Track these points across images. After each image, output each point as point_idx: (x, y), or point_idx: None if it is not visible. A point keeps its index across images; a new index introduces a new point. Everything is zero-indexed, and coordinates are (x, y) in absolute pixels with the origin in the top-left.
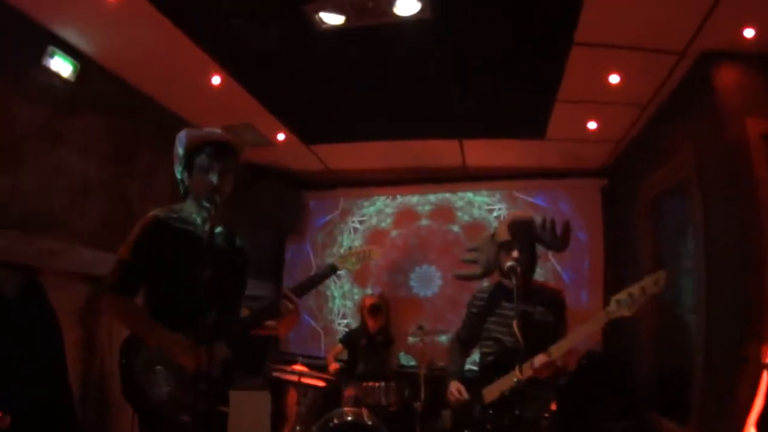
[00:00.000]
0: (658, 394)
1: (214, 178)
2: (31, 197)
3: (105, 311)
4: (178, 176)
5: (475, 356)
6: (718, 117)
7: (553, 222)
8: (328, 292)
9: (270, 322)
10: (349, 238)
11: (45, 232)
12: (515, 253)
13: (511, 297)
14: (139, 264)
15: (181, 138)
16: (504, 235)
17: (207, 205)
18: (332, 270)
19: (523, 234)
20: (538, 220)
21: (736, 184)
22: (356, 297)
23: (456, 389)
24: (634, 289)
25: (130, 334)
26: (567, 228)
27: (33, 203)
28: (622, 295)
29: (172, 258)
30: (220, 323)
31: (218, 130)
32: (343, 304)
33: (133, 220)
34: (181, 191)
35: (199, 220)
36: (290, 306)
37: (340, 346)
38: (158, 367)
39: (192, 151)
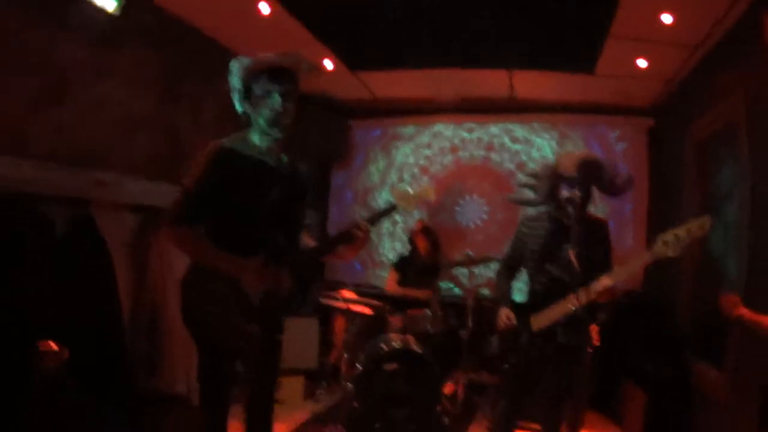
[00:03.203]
0: (696, 337)
1: (276, 103)
2: (78, 131)
3: (165, 242)
4: (239, 108)
5: (521, 285)
6: None
7: (616, 169)
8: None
9: (339, 251)
10: (395, 169)
11: (93, 165)
12: (577, 191)
13: (563, 229)
14: (203, 194)
15: (235, 68)
16: (570, 171)
17: (272, 131)
18: (393, 208)
19: (590, 174)
20: (605, 163)
21: None
22: (399, 226)
23: (506, 315)
24: (680, 230)
25: (191, 265)
26: (630, 181)
27: (80, 137)
28: (668, 236)
29: (239, 186)
30: (288, 248)
31: (274, 56)
32: (390, 239)
33: (181, 152)
34: (244, 122)
35: (263, 148)
36: (361, 234)
37: (398, 270)
38: (221, 295)
39: (248, 79)
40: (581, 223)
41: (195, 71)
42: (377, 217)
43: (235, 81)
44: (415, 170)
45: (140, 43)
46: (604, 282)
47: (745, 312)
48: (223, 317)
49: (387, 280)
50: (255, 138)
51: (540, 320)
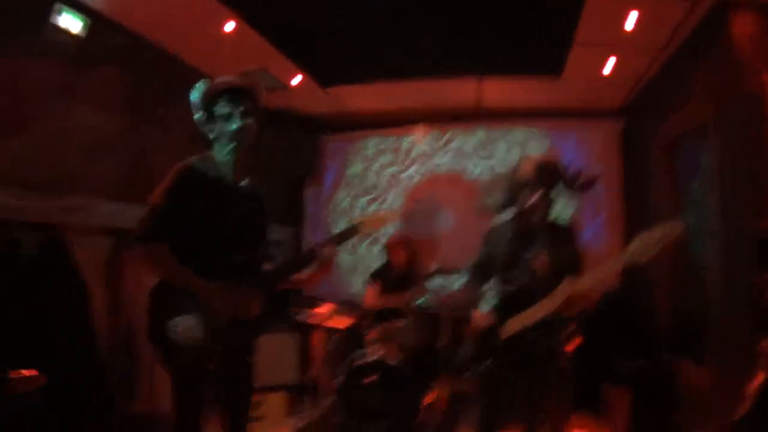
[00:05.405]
0: (675, 334)
1: (235, 125)
2: (46, 156)
3: (134, 261)
4: (202, 130)
5: (493, 292)
6: (734, 65)
7: (580, 172)
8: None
9: (298, 275)
10: (367, 182)
11: (63, 190)
12: (538, 195)
13: (527, 236)
14: (168, 212)
15: (196, 91)
16: (529, 176)
17: (232, 151)
18: (354, 232)
19: (549, 177)
20: (565, 165)
21: (752, 133)
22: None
23: (479, 317)
24: (650, 237)
25: (158, 283)
26: (594, 178)
27: (49, 162)
28: (636, 243)
29: (200, 205)
30: (249, 269)
31: (231, 78)
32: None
33: (151, 172)
34: (209, 142)
35: (226, 168)
36: (325, 254)
37: (376, 283)
38: (188, 316)
39: (209, 102)
40: (545, 229)
41: (163, 91)
42: (339, 238)
43: (197, 104)
44: (388, 183)
45: (107, 64)
46: (566, 289)
47: None
48: (190, 337)
49: (366, 294)
50: (217, 158)
51: (508, 328)
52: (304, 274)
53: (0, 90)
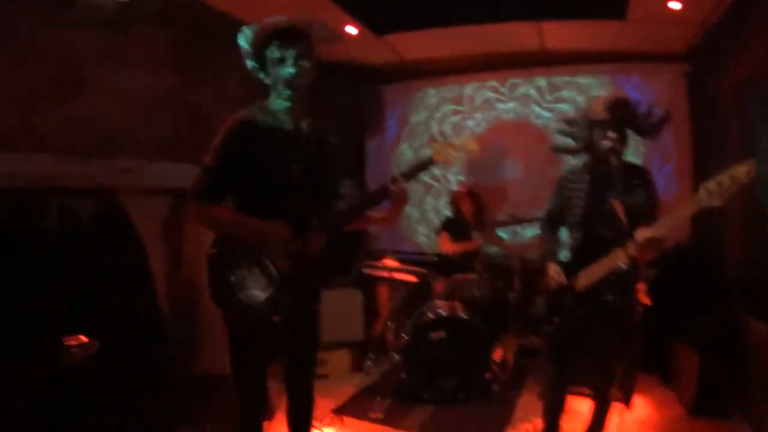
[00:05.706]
0: (746, 293)
1: (289, 69)
2: (98, 120)
3: (191, 220)
4: (256, 75)
5: (567, 242)
6: None
7: (652, 109)
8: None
9: (374, 213)
10: (430, 131)
11: (117, 153)
12: (611, 134)
13: (604, 179)
14: (224, 169)
15: (244, 36)
16: (601, 114)
17: (289, 95)
18: (428, 163)
19: (622, 115)
20: (636, 103)
21: None
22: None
23: (554, 271)
24: (723, 177)
25: (217, 238)
26: (665, 119)
27: (101, 126)
28: (711, 184)
29: (258, 154)
30: (313, 213)
31: (281, 18)
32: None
33: (206, 128)
34: (265, 90)
35: (283, 114)
36: (397, 188)
37: (445, 233)
38: (250, 268)
39: (260, 46)
40: (621, 172)
41: (211, 46)
42: (414, 170)
43: (248, 49)
44: (452, 131)
45: (151, 25)
46: (645, 233)
47: None
48: (253, 289)
49: (440, 243)
50: (273, 104)
51: (584, 279)
52: (379, 211)
53: (47, 59)
